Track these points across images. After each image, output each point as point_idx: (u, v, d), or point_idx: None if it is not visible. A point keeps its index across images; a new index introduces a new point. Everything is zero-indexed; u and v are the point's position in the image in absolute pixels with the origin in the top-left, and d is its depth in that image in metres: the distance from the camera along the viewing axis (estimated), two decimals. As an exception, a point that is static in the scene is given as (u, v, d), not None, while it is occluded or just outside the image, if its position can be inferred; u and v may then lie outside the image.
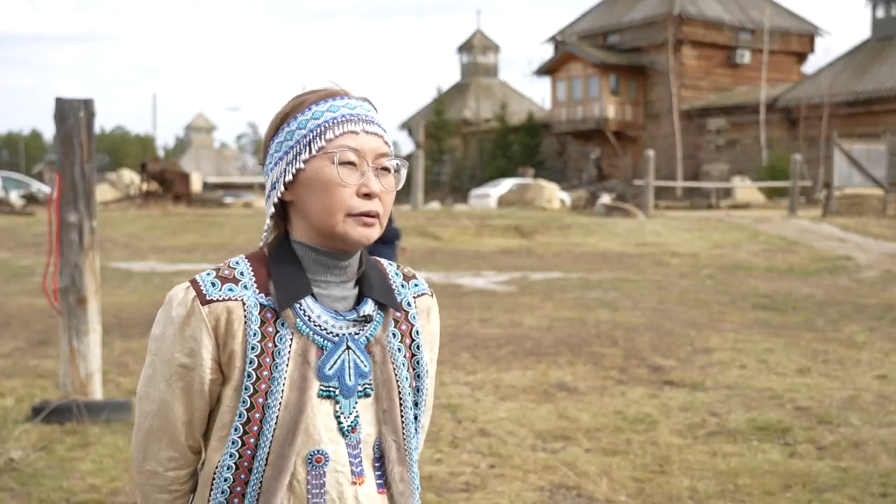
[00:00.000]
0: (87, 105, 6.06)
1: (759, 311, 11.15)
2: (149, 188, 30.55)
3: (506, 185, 35.44)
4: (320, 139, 1.55)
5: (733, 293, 12.77)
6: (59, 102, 6.03)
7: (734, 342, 8.94)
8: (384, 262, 1.72)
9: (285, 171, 1.57)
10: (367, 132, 1.57)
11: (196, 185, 35.93)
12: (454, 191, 45.21)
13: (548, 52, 67.37)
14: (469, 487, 4.77)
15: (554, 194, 32.12)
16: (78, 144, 5.99)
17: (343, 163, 1.54)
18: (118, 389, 6.80)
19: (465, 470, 5.01)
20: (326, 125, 1.56)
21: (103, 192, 31.18)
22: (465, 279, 14.14)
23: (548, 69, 45.08)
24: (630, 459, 5.24)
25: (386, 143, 1.60)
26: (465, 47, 57.45)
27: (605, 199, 29.74)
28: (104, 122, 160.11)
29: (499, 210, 29.38)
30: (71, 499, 4.56)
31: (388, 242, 7.74)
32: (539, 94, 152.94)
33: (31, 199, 31.33)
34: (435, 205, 33.15)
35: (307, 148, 1.56)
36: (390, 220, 7.60)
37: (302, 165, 1.56)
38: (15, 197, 31.23)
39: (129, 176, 34.66)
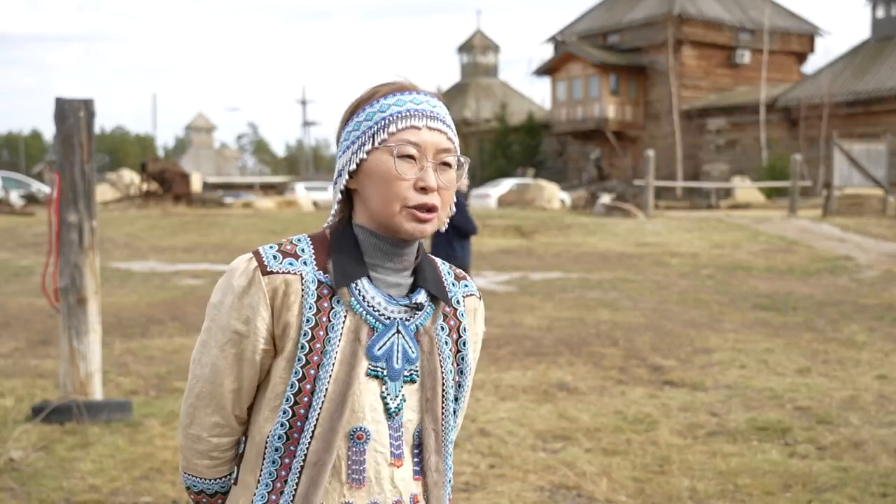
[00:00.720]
0: (87, 105, 6.06)
1: (759, 311, 11.15)
2: (149, 188, 30.54)
3: (506, 185, 35.44)
4: (383, 132, 1.60)
5: (733, 293, 12.77)
6: (59, 102, 6.03)
7: (734, 342, 8.94)
8: (438, 260, 1.77)
9: (350, 161, 1.63)
10: (429, 128, 1.61)
11: (196, 185, 35.91)
12: (454, 191, 45.16)
13: (548, 52, 67.42)
14: (469, 487, 4.77)
15: (554, 194, 32.11)
16: (78, 144, 5.99)
17: (402, 156, 1.59)
18: (118, 389, 6.80)
19: (465, 470, 5.01)
20: (390, 118, 1.60)
21: (103, 192, 31.18)
22: (465, 279, 14.13)
23: (548, 69, 45.06)
24: (630, 459, 5.24)
25: (450, 139, 1.64)
26: (465, 47, 57.44)
27: (605, 199, 29.73)
28: (104, 122, 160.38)
29: (499, 210, 29.40)
30: (71, 499, 4.56)
31: (466, 237, 8.01)
32: (539, 94, 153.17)
33: (31, 199, 31.33)
34: (435, 205, 33.10)
35: (371, 140, 1.61)
36: (469, 215, 7.98)
37: (365, 156, 1.61)
38: (15, 197, 31.22)
39: (129, 176, 34.64)
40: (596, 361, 8.02)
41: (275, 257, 1.61)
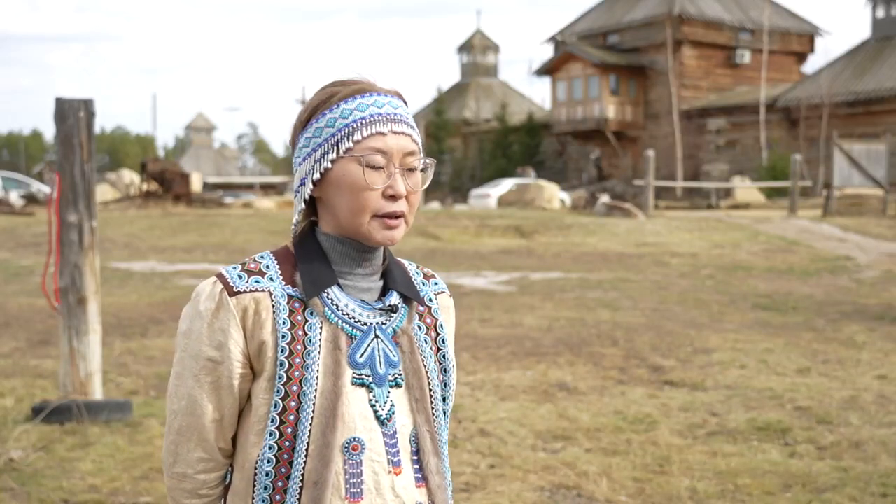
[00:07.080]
0: (87, 105, 6.06)
1: (759, 311, 11.15)
2: (149, 188, 30.51)
3: (506, 185, 35.44)
4: (348, 140, 1.55)
5: (733, 293, 12.76)
6: (59, 102, 6.03)
7: (734, 342, 8.93)
8: (404, 261, 1.74)
9: (313, 170, 1.58)
10: (394, 132, 1.57)
11: (196, 185, 35.87)
12: (454, 191, 45.19)
13: (548, 53, 67.41)
14: (469, 487, 4.76)
15: (554, 194, 32.09)
16: (78, 144, 5.99)
17: (369, 166, 1.55)
18: (118, 389, 6.80)
19: (465, 470, 5.01)
20: (354, 126, 1.55)
21: (103, 192, 31.16)
22: (465, 279, 14.14)
23: (548, 69, 45.10)
24: (630, 459, 5.24)
25: (414, 140, 1.59)
26: (465, 47, 57.47)
27: (605, 198, 29.74)
28: (104, 122, 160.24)
29: (499, 210, 29.37)
30: (71, 499, 4.56)
31: None
32: (539, 94, 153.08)
33: (31, 199, 31.29)
34: (435, 205, 33.15)
35: (334, 148, 1.56)
36: None
37: (329, 165, 1.56)
38: (15, 197, 31.18)
39: (129, 176, 34.60)
40: (596, 361, 8.02)
41: (240, 277, 1.57)
